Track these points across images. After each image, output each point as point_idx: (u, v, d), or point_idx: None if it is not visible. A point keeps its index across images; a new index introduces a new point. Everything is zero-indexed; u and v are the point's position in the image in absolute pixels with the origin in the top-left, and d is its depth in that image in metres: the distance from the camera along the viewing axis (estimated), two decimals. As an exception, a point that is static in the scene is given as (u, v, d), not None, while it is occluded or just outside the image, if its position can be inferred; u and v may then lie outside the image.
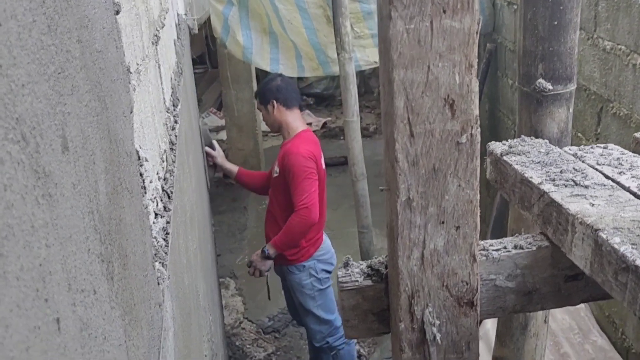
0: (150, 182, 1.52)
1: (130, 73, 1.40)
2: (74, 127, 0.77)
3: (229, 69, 6.95)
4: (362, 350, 4.70)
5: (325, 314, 3.86)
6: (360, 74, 9.79)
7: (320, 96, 10.26)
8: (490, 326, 3.31)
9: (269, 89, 3.82)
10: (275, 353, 4.86)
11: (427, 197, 0.97)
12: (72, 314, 0.66)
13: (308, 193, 3.54)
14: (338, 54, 4.25)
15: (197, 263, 2.56)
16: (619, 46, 3.21)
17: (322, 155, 3.89)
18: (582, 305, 3.70)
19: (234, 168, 4.24)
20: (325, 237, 3.96)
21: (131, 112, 1.27)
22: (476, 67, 0.91)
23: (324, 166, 3.86)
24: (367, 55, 4.87)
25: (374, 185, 5.90)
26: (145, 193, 1.35)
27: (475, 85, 0.92)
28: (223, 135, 8.04)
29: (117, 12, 1.27)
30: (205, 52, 9.88)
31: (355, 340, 4.09)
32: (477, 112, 0.95)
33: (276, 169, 3.76)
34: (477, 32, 0.90)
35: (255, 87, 7.29)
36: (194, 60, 6.46)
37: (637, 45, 3.05)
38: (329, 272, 3.89)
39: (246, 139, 7.32)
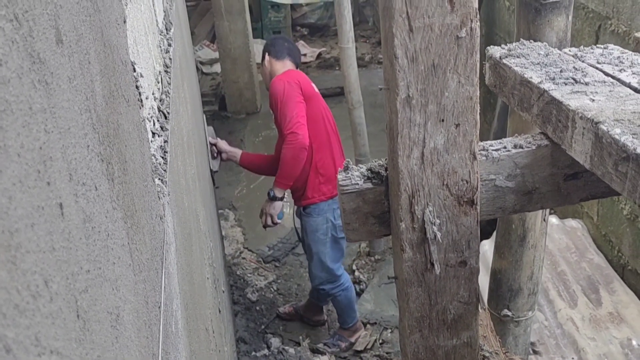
0: (147, 98, 1.51)
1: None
2: (67, 22, 0.75)
3: (222, -1, 6.83)
4: (361, 277, 4.77)
5: (329, 262, 3.83)
6: (355, 2, 9.64)
7: (314, 26, 10.12)
8: (488, 247, 3.35)
9: (265, 45, 3.98)
10: (275, 281, 4.93)
11: (426, 95, 0.96)
12: (74, 204, 0.66)
13: (291, 117, 3.42)
14: (332, -21, 4.18)
15: (196, 188, 2.57)
16: (618, -39, 3.15)
17: (312, 83, 3.82)
18: (578, 224, 3.74)
19: (237, 152, 4.08)
20: None
21: (124, 22, 1.24)
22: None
23: (316, 91, 3.79)
24: (361, -20, 4.78)
25: (371, 115, 5.91)
26: (142, 107, 1.34)
27: (475, -23, 0.90)
28: (217, 68, 7.96)
29: None
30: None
31: (352, 285, 4.08)
32: (476, 5, 0.93)
33: (271, 112, 3.70)
34: None
35: (248, 17, 7.18)
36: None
37: (637, -41, 2.99)
38: None
39: (240, 71, 7.25)
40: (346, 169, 1.13)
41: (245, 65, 7.29)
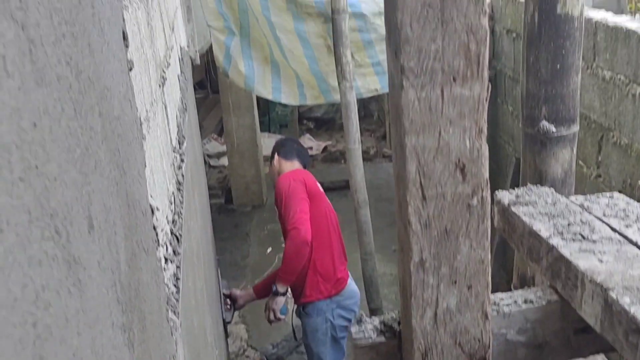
0: (162, 230, 1.53)
1: (142, 123, 1.42)
2: (97, 203, 0.78)
3: (230, 95, 7.00)
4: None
5: None
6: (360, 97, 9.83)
7: (321, 120, 10.32)
8: None
9: (275, 145, 4.10)
10: (279, 381, 4.86)
11: (439, 258, 0.99)
12: (100, 395, 0.68)
13: (294, 212, 3.45)
14: (339, 83, 4.30)
15: (203, 299, 2.56)
16: (618, 76, 3.25)
17: (318, 183, 3.88)
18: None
19: (249, 292, 4.05)
20: (350, 282, 3.84)
21: (145, 167, 1.28)
22: (486, 132, 0.94)
23: (320, 188, 3.84)
24: (367, 83, 4.91)
25: (376, 210, 5.95)
26: (159, 246, 1.36)
27: (486, 150, 0.95)
28: (224, 161, 8.07)
29: (131, 69, 1.29)
30: (206, 77, 9.94)
31: None
32: (487, 175, 0.97)
33: (276, 208, 3.75)
34: (486, 99, 0.92)
35: (256, 113, 7.34)
36: (194, 86, 6.49)
37: (636, 76, 3.08)
38: (348, 320, 3.74)
39: (248, 166, 7.35)
40: (359, 321, 1.15)
41: (253, 159, 7.40)
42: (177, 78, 3.08)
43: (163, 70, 2.28)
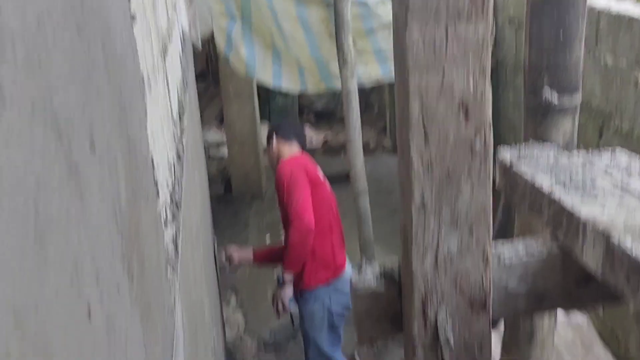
0: (162, 187, 1.53)
1: (144, 81, 1.42)
2: (99, 130, 0.78)
3: (231, 84, 6.98)
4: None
5: (326, 348, 3.77)
6: (361, 91, 9.82)
7: (321, 113, 10.30)
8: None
9: (273, 126, 4.11)
10: (276, 369, 4.85)
11: (441, 201, 0.99)
12: (100, 308, 0.67)
13: (296, 200, 3.44)
14: (340, 70, 4.29)
15: (202, 279, 2.56)
16: (621, 59, 3.24)
17: (319, 168, 3.86)
18: (584, 319, 3.70)
19: (248, 255, 3.99)
20: (348, 267, 3.86)
21: (146, 116, 1.28)
22: (489, 72, 0.94)
23: (322, 177, 3.83)
24: (369, 71, 4.90)
25: (375, 201, 5.93)
26: (159, 198, 1.36)
27: (489, 90, 0.94)
28: (224, 150, 8.06)
29: (133, 19, 1.29)
30: (207, 68, 9.93)
31: None
32: (490, 116, 0.97)
33: (276, 196, 3.74)
34: (490, 41, 0.92)
35: (256, 103, 7.32)
36: (195, 77, 6.49)
37: (639, 62, 3.07)
38: (346, 307, 3.70)
39: (247, 155, 7.34)
40: (359, 269, 1.15)
41: (252, 149, 7.39)
42: (179, 55, 3.07)
43: (165, 43, 2.28)
